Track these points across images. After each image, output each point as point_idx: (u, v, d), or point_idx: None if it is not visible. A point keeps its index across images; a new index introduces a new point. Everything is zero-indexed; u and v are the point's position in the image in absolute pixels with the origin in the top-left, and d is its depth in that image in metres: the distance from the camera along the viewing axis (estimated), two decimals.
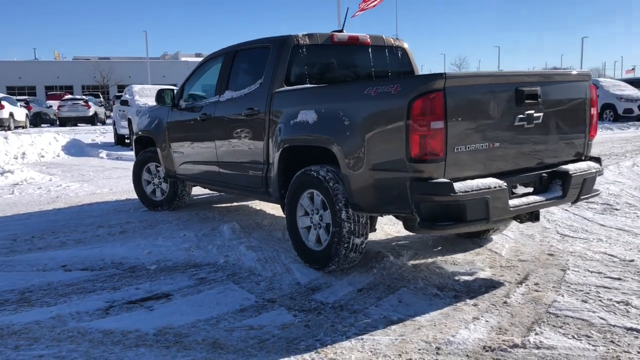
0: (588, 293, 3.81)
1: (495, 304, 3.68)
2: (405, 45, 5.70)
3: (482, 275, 4.27)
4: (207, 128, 5.77)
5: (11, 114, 25.78)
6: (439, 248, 5.01)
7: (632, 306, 3.55)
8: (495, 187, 3.64)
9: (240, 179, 5.42)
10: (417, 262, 4.62)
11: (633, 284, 3.95)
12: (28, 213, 7.18)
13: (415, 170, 3.57)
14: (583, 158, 4.41)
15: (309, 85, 4.84)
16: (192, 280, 4.32)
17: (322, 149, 4.23)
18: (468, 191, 3.53)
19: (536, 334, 3.20)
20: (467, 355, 2.99)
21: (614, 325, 3.29)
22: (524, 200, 3.92)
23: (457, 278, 4.21)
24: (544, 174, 4.10)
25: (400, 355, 3.02)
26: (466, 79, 3.72)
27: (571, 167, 4.15)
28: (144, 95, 16.58)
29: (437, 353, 3.03)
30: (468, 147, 3.64)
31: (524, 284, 4.03)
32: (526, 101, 3.85)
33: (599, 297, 3.73)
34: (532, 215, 4.11)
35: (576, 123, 4.31)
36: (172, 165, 6.54)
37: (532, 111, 3.91)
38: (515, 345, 3.05)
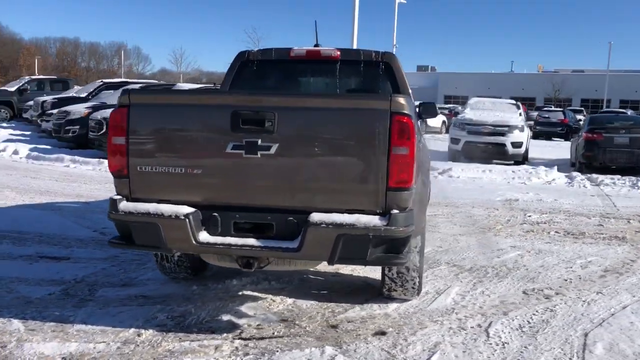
0: None
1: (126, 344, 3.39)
2: (392, 59, 4.93)
3: (244, 322, 3.76)
4: None
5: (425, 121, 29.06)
6: (323, 292, 4.38)
7: None
8: (170, 215, 3.33)
9: None
10: (247, 292, 4.32)
11: None
12: None
13: (115, 185, 3.60)
14: (379, 211, 3.24)
15: None
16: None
17: None
18: (134, 213, 3.38)
19: None
20: None
21: None
22: (230, 240, 3.34)
23: (220, 318, 3.84)
24: (292, 219, 3.32)
25: None
26: (154, 96, 3.48)
27: (316, 217, 3.20)
28: (477, 108, 16.20)
29: None
30: (155, 169, 3.43)
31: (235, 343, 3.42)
32: (244, 127, 3.26)
33: None
34: (243, 260, 3.42)
35: (356, 164, 3.24)
36: None
37: (257, 140, 3.27)
38: None
